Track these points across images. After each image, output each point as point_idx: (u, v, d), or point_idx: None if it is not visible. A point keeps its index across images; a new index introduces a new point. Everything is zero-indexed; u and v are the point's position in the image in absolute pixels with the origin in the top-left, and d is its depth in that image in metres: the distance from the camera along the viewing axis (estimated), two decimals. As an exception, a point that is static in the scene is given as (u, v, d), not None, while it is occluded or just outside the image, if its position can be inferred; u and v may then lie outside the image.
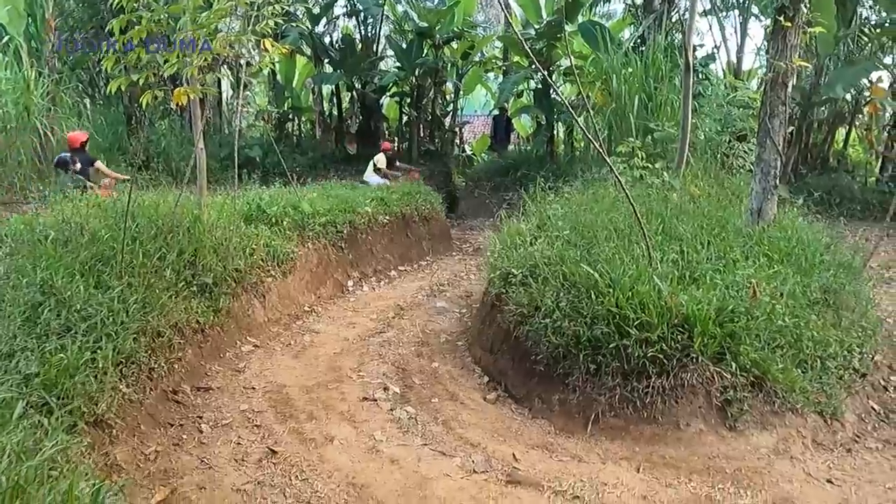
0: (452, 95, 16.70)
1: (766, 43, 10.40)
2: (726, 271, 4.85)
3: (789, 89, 6.24)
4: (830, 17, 10.84)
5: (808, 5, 5.91)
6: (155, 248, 5.18)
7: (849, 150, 15.05)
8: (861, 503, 3.38)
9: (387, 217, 9.29)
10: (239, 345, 5.67)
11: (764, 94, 6.41)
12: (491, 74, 18.03)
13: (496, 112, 16.71)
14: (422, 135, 15.57)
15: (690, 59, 7.62)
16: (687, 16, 8.12)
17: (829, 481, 3.62)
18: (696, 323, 4.18)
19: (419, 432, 4.23)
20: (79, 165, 8.28)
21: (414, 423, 4.37)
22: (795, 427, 4.04)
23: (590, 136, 6.19)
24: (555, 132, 15.46)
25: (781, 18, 5.82)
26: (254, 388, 4.86)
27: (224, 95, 17.22)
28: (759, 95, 8.08)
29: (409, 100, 15.36)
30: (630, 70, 9.18)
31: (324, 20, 16.18)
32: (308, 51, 15.77)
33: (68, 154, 8.41)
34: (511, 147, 17.34)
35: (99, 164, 8.78)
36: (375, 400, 4.72)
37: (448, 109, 16.87)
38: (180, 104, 4.58)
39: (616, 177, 5.05)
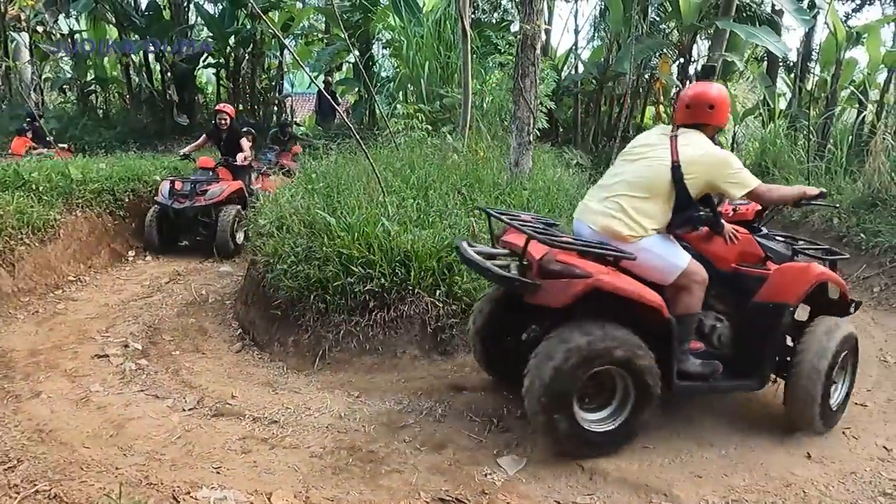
0: (276, 69, 16.30)
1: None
2: (460, 214, 5.19)
3: (538, 51, 6.73)
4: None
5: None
6: None
7: (647, 123, 16.52)
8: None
9: (182, 187, 8.94)
10: (-29, 315, 5.26)
11: (516, 56, 6.87)
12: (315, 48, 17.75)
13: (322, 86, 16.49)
14: (240, 108, 15.05)
15: (467, 26, 7.96)
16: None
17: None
18: (414, 258, 4.45)
19: (141, 382, 4.16)
20: None
21: (140, 373, 4.29)
22: (501, 348, 4.44)
23: (337, 108, 6.33)
24: (375, 105, 15.53)
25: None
26: (-30, 354, 4.54)
27: (29, 68, 15.62)
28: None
29: (225, 72, 14.80)
30: (422, 38, 9.44)
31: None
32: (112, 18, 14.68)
33: None
34: (336, 121, 17.21)
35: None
36: (108, 356, 4.58)
37: (273, 84, 16.46)
38: None
39: (355, 135, 5.24)
